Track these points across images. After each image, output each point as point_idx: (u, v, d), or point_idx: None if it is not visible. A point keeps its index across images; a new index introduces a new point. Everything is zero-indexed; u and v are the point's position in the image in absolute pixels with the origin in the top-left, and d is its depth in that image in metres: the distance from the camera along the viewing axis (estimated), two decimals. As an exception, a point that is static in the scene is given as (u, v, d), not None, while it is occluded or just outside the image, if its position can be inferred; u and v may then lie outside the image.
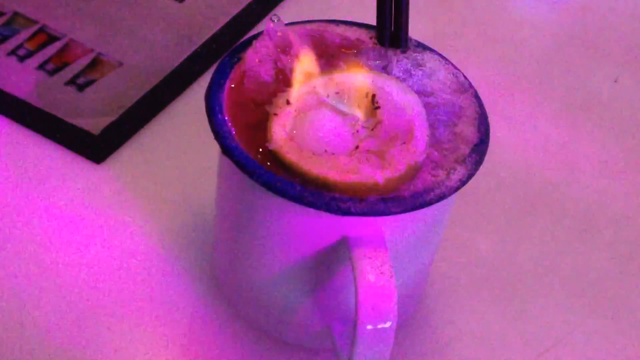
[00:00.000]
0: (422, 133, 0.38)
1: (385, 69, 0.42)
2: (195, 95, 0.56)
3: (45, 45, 0.57)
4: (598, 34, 0.67)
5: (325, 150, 0.37)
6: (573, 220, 0.53)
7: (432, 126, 0.39)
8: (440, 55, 0.43)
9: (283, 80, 0.40)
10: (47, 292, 0.45)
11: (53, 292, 0.45)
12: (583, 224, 0.53)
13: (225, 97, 0.39)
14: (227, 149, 0.37)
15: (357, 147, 0.37)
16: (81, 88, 0.55)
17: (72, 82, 0.55)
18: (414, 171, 0.38)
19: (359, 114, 0.39)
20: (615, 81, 0.63)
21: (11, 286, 0.45)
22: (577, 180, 0.56)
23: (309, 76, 0.40)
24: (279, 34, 0.41)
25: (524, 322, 0.48)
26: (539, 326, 0.47)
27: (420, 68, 0.42)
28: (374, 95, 0.39)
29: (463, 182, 0.38)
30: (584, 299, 0.49)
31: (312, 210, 0.36)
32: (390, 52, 0.43)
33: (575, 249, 0.52)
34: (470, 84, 0.42)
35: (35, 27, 0.58)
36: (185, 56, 0.58)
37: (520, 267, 0.50)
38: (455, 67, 0.43)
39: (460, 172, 0.38)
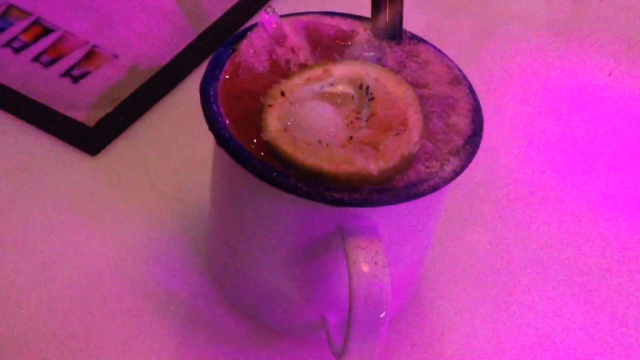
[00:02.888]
0: (415, 124, 0.38)
1: (379, 61, 0.42)
2: (190, 87, 0.56)
3: (41, 37, 0.57)
4: (592, 28, 0.67)
5: (320, 141, 0.37)
6: (567, 212, 0.53)
7: (425, 118, 0.39)
8: (434, 47, 0.43)
9: (277, 71, 0.41)
10: (41, 285, 0.45)
11: (47, 285, 0.45)
12: (576, 217, 0.53)
13: (220, 89, 0.39)
14: (222, 140, 0.37)
15: (351, 138, 0.38)
16: (76, 80, 0.55)
17: (67, 74, 0.55)
18: (408, 162, 0.38)
19: (353, 105, 0.39)
20: (609, 74, 0.63)
21: (5, 278, 0.45)
22: (571, 172, 0.56)
23: (304, 67, 0.40)
24: (273, 25, 0.41)
25: (516, 314, 0.48)
26: (531, 318, 0.48)
27: (414, 60, 0.42)
28: (368, 87, 0.39)
29: (457, 173, 0.38)
30: (576, 291, 0.49)
31: (306, 200, 0.36)
32: (384, 44, 0.43)
33: (569, 242, 0.52)
34: (464, 76, 0.42)
35: (30, 19, 0.58)
36: (180, 49, 0.58)
37: (514, 258, 0.50)
38: (450, 60, 0.43)
39: (453, 163, 0.38)
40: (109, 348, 0.43)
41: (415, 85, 0.41)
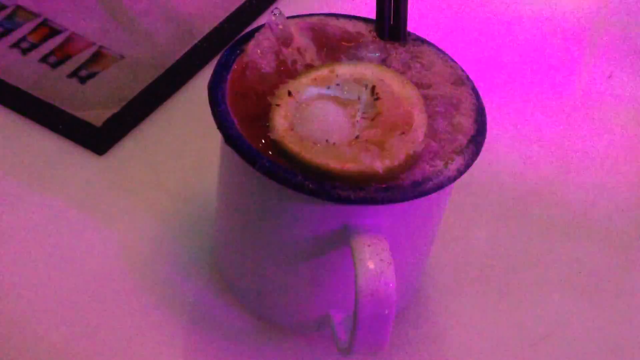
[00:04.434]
0: (420, 124, 0.39)
1: (384, 62, 0.42)
2: (196, 88, 0.57)
3: (48, 38, 0.58)
4: (592, 30, 0.68)
5: (326, 140, 0.38)
6: (568, 212, 0.54)
7: (430, 117, 0.40)
8: (438, 48, 0.44)
9: (284, 72, 0.41)
10: (47, 283, 0.46)
11: (53, 283, 0.46)
12: (577, 217, 0.54)
13: (228, 88, 0.40)
14: (230, 138, 0.38)
15: (357, 137, 0.38)
16: (83, 80, 0.55)
17: (74, 74, 0.56)
18: (413, 161, 0.38)
19: (359, 105, 0.39)
20: (609, 77, 0.64)
21: (11, 276, 0.46)
22: (572, 173, 0.56)
23: (310, 68, 0.41)
24: (280, 26, 0.42)
25: (518, 312, 0.48)
26: (533, 316, 0.48)
27: (418, 61, 0.43)
28: (373, 87, 0.40)
29: (461, 172, 0.39)
30: (577, 290, 0.50)
31: (313, 198, 0.37)
32: (389, 45, 0.43)
33: (570, 241, 0.52)
34: (467, 77, 0.43)
35: (37, 21, 0.59)
36: (186, 50, 0.58)
37: (516, 258, 0.51)
38: (453, 61, 0.43)
39: (458, 162, 0.39)
40: (115, 347, 0.44)
41: (419, 85, 0.41)
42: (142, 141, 0.53)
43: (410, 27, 0.44)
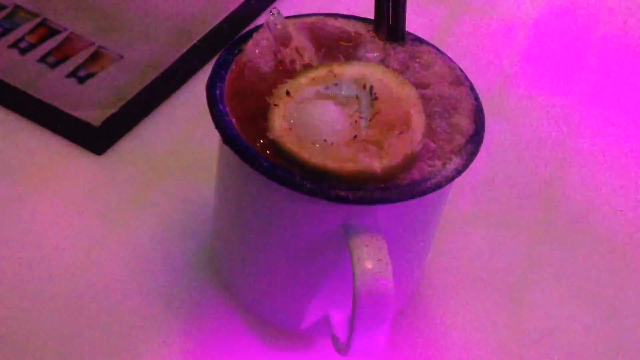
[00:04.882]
0: (418, 124, 0.39)
1: (383, 62, 0.42)
2: (195, 88, 0.57)
3: (46, 38, 0.57)
4: (591, 29, 0.68)
5: (325, 140, 0.38)
6: (566, 212, 0.54)
7: (428, 117, 0.40)
8: (436, 48, 0.44)
9: (283, 71, 0.41)
10: (45, 283, 0.46)
11: (51, 283, 0.46)
12: (576, 216, 0.54)
13: (226, 88, 0.40)
14: (228, 138, 0.38)
15: (355, 137, 0.38)
16: (82, 80, 0.55)
17: (73, 74, 0.55)
18: (411, 161, 0.38)
19: (357, 105, 0.39)
20: (609, 77, 0.64)
21: (10, 276, 0.46)
22: (570, 172, 0.56)
23: (308, 68, 0.41)
24: (278, 26, 0.42)
25: (517, 312, 0.48)
26: (532, 315, 0.48)
27: (417, 61, 0.43)
28: (372, 87, 0.40)
29: (459, 172, 0.38)
30: (576, 289, 0.50)
31: (311, 198, 0.37)
32: (388, 45, 0.43)
33: (569, 241, 0.52)
34: (465, 76, 0.43)
35: (36, 21, 0.59)
36: (184, 50, 0.58)
37: (515, 258, 0.51)
38: (451, 61, 0.43)
39: (456, 162, 0.39)
40: (113, 347, 0.44)
41: (418, 85, 0.41)
42: (140, 141, 0.53)
43: (409, 27, 0.44)
